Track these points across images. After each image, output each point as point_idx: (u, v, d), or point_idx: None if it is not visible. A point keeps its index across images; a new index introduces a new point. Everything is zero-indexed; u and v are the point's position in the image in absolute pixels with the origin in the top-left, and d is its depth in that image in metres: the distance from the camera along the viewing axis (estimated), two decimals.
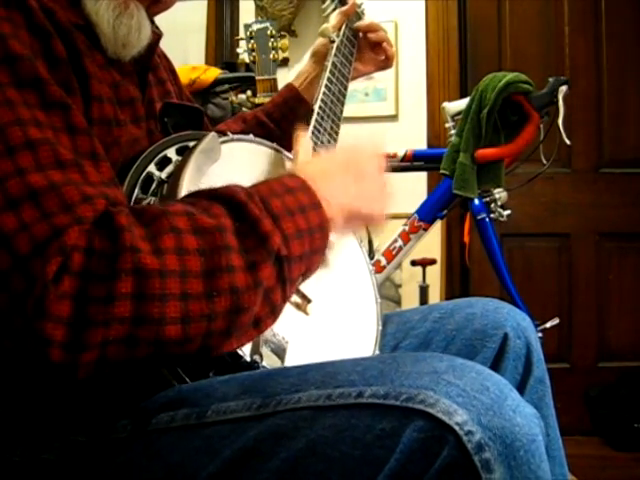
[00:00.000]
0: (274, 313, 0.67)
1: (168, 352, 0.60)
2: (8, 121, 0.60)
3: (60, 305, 0.55)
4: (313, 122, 1.01)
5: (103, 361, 0.57)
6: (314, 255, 0.71)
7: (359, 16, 1.25)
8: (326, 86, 1.07)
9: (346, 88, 1.13)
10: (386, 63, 1.26)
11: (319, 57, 1.19)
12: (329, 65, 1.11)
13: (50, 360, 0.55)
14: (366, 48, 1.24)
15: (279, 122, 1.19)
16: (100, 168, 0.66)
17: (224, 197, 0.65)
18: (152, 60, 0.90)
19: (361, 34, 1.23)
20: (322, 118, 1.03)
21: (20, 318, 0.56)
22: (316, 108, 1.03)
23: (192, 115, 0.94)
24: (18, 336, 0.57)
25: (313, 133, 0.99)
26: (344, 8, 1.21)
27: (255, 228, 0.63)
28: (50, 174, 0.60)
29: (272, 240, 0.64)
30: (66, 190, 0.59)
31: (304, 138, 0.89)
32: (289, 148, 0.96)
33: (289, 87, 1.23)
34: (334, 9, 1.25)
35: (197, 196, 0.67)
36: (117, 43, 0.78)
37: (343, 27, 1.18)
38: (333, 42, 1.15)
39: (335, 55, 1.13)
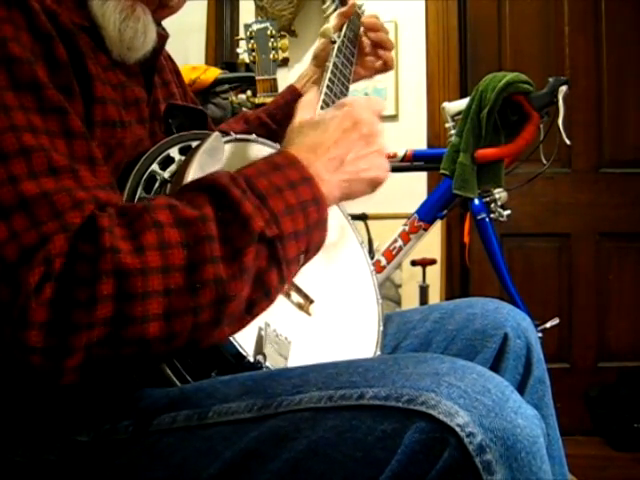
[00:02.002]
0: (269, 296, 0.67)
1: (155, 350, 0.60)
2: (2, 127, 0.61)
3: (41, 312, 0.55)
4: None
5: (88, 364, 0.57)
6: (313, 230, 0.69)
7: (359, 17, 1.25)
8: (327, 86, 1.07)
9: (347, 88, 1.13)
10: (385, 67, 1.26)
11: (320, 60, 1.19)
12: (330, 66, 1.11)
13: (33, 367, 0.56)
14: (366, 50, 1.24)
15: (282, 123, 1.19)
16: (97, 173, 0.66)
17: (207, 185, 0.65)
18: (158, 62, 0.90)
19: (362, 33, 1.23)
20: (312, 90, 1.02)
21: (8, 327, 0.56)
22: (318, 108, 1.03)
23: (196, 117, 0.94)
24: (7, 344, 0.57)
25: None
26: (344, 9, 1.21)
27: (237, 213, 0.63)
28: (43, 182, 0.60)
29: (254, 222, 0.63)
30: (57, 198, 0.59)
31: (306, 106, 0.86)
32: None
33: (291, 89, 1.23)
34: (334, 10, 1.25)
35: (183, 189, 0.67)
36: (122, 46, 0.78)
37: (344, 28, 1.18)
38: (334, 43, 1.15)
39: (336, 56, 1.13)
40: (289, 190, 0.67)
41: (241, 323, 0.67)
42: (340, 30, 1.18)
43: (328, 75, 1.09)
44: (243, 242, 0.62)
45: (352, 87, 1.19)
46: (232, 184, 0.64)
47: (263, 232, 0.64)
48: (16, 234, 0.57)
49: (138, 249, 0.58)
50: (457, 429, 0.54)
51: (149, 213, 0.61)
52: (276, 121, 1.19)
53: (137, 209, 0.62)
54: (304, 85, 1.21)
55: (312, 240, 0.70)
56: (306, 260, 0.71)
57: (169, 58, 1.04)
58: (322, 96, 1.05)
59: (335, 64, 1.11)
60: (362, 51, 1.23)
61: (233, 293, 0.62)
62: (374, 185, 0.79)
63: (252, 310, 0.66)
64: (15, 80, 0.63)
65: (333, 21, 1.21)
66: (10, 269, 0.57)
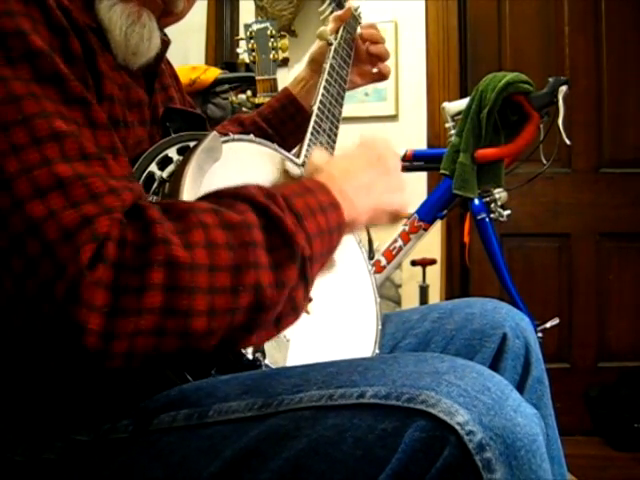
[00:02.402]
0: (295, 311, 0.68)
1: (193, 345, 0.61)
2: (34, 113, 0.61)
3: (95, 293, 0.55)
4: (312, 123, 1.01)
5: (131, 352, 0.57)
6: (329, 254, 0.73)
7: (356, 19, 1.25)
8: (325, 88, 1.08)
9: (344, 90, 1.14)
10: (381, 77, 1.28)
11: (317, 64, 1.20)
12: (327, 67, 1.11)
13: (84, 347, 0.55)
14: (363, 56, 1.24)
15: (278, 129, 1.19)
16: (120, 163, 0.67)
17: (246, 196, 0.66)
18: (159, 67, 0.90)
19: (358, 37, 1.23)
20: (321, 119, 1.03)
21: (48, 304, 0.56)
22: (315, 109, 1.04)
23: (194, 121, 0.95)
24: (46, 322, 0.56)
25: (312, 134, 1.00)
26: (340, 13, 1.21)
27: (280, 227, 0.64)
28: (76, 165, 0.60)
29: (297, 240, 0.65)
30: (92, 181, 0.60)
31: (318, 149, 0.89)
32: (288, 152, 0.97)
33: (286, 92, 1.23)
34: (331, 12, 1.25)
35: (219, 195, 0.67)
36: (127, 51, 0.79)
37: (341, 30, 1.19)
38: (331, 45, 1.16)
39: (333, 57, 1.13)
40: (320, 213, 0.69)
41: (268, 334, 0.68)
42: (337, 32, 1.18)
43: (325, 76, 1.09)
44: (285, 256, 0.64)
45: None
46: (270, 200, 0.65)
47: (303, 250, 0.65)
48: (54, 212, 0.57)
49: (187, 244, 0.59)
50: (457, 427, 0.54)
51: (195, 213, 0.62)
52: (272, 126, 1.20)
53: (182, 208, 0.63)
54: (301, 90, 1.21)
55: (325, 262, 0.73)
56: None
57: (168, 62, 1.04)
58: (319, 97, 1.06)
59: (332, 66, 1.12)
60: (359, 59, 1.24)
61: (269, 302, 0.63)
62: (395, 218, 0.84)
63: (279, 324, 0.68)
64: (38, 73, 0.63)
65: (330, 23, 1.21)
66: (52, 246, 0.56)
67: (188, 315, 0.58)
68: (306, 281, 0.67)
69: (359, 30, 1.24)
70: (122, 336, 0.56)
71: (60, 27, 0.68)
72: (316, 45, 1.22)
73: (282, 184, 0.73)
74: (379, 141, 0.85)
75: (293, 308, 0.67)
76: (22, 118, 0.60)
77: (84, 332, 0.55)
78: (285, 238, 0.64)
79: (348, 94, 1.17)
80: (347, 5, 1.23)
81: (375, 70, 1.27)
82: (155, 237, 0.58)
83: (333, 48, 1.15)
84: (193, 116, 0.96)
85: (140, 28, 0.79)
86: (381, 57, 1.25)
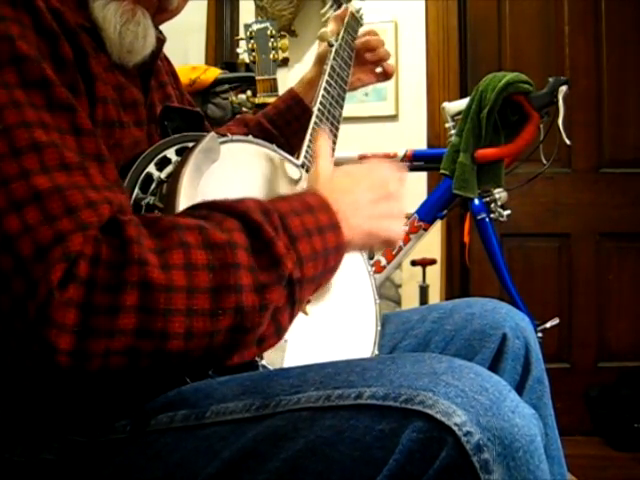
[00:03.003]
0: (279, 334, 0.67)
1: (169, 364, 0.60)
2: (14, 122, 0.60)
3: (65, 312, 0.55)
4: (312, 125, 1.01)
5: (105, 371, 0.57)
6: (326, 275, 0.71)
7: (358, 20, 1.25)
8: (325, 89, 1.08)
9: (345, 91, 1.14)
10: (385, 76, 1.28)
11: (323, 64, 1.19)
12: (328, 69, 1.11)
13: (56, 366, 0.55)
14: (368, 61, 1.25)
15: (282, 129, 1.19)
16: (105, 170, 0.66)
17: (239, 212, 0.64)
18: (155, 65, 0.90)
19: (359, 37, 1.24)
20: (321, 120, 1.03)
21: (20, 321, 0.56)
22: (315, 111, 1.04)
23: (192, 119, 0.94)
24: (18, 339, 0.57)
25: (312, 135, 1.00)
26: (338, 12, 1.22)
27: (268, 249, 0.63)
28: (55, 176, 0.60)
29: (285, 263, 0.63)
30: (70, 194, 0.59)
31: (325, 147, 0.86)
32: (292, 154, 0.96)
33: (291, 93, 1.23)
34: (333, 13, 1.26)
35: (211, 208, 0.66)
36: (122, 49, 0.78)
37: (342, 31, 1.19)
38: (332, 46, 1.16)
39: (334, 59, 1.14)
40: (317, 235, 0.68)
41: (249, 354, 0.67)
42: (338, 34, 1.18)
43: (325, 78, 1.09)
44: (271, 278, 0.63)
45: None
46: (265, 218, 0.64)
47: (291, 274, 0.64)
48: (30, 228, 0.57)
49: (165, 265, 0.58)
50: (454, 428, 0.54)
51: (177, 231, 0.60)
52: (277, 127, 1.19)
53: (164, 224, 0.61)
54: (307, 89, 1.21)
55: (322, 283, 0.72)
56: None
57: (166, 59, 1.04)
58: (320, 98, 1.06)
59: (333, 67, 1.12)
60: (361, 60, 1.24)
61: (250, 325, 0.62)
62: (388, 244, 0.82)
63: (261, 345, 0.67)
64: (24, 78, 0.63)
65: (330, 24, 1.21)
66: (25, 263, 0.56)
67: (163, 337, 0.58)
68: (293, 305, 0.66)
69: (356, 40, 1.24)
70: (94, 355, 0.56)
71: (50, 31, 0.68)
72: (323, 45, 1.22)
73: (283, 198, 0.71)
74: (384, 166, 0.83)
75: (277, 331, 0.66)
76: (2, 128, 0.60)
77: (55, 352, 0.55)
78: (273, 260, 0.63)
79: (348, 94, 1.17)
80: (346, 6, 1.23)
81: (379, 70, 1.27)
82: (131, 257, 0.57)
83: (334, 49, 1.15)
84: (191, 114, 0.96)
85: (134, 26, 0.79)
86: (382, 60, 1.26)
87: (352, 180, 0.79)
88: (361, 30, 1.26)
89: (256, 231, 0.63)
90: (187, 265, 0.59)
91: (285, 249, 0.64)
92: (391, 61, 1.30)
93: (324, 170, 0.83)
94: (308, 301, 0.86)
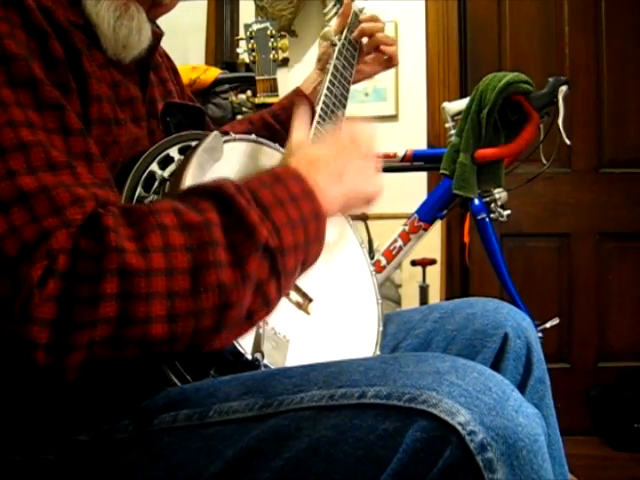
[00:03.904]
0: (268, 306, 0.67)
1: (156, 351, 0.60)
2: (0, 122, 0.61)
3: (44, 308, 0.55)
4: (314, 124, 1.01)
5: (91, 362, 0.57)
6: (311, 244, 0.70)
7: (361, 21, 1.25)
8: (328, 89, 1.08)
9: (348, 91, 1.14)
10: (390, 62, 1.26)
11: (324, 63, 1.20)
12: (331, 68, 1.11)
13: (36, 363, 0.56)
14: (369, 49, 1.24)
15: (285, 123, 1.19)
16: (94, 169, 0.66)
17: (212, 192, 0.65)
18: (153, 60, 0.90)
19: (364, 39, 1.23)
20: (324, 120, 1.03)
21: (8, 322, 0.56)
22: (318, 110, 1.03)
23: (194, 115, 0.94)
24: (7, 339, 0.57)
25: (315, 135, 0.99)
26: (341, 10, 1.22)
27: (242, 221, 0.63)
28: (41, 176, 0.60)
29: (259, 232, 0.63)
30: (57, 192, 0.59)
31: (300, 120, 0.87)
32: None
33: (297, 91, 1.23)
34: (335, 13, 1.25)
35: (187, 193, 0.67)
36: (117, 44, 0.78)
37: (345, 30, 1.19)
38: (334, 45, 1.15)
39: (337, 58, 1.13)
40: (291, 204, 0.68)
41: (240, 330, 0.68)
42: (341, 33, 1.18)
43: (328, 77, 1.09)
44: (247, 250, 0.63)
45: (352, 87, 1.20)
46: (238, 193, 0.64)
47: (267, 242, 0.64)
48: (15, 228, 0.57)
49: (143, 250, 0.58)
50: (458, 427, 0.54)
51: (154, 215, 0.61)
52: (279, 121, 1.19)
53: (142, 210, 0.62)
54: (309, 88, 1.21)
55: (310, 253, 0.71)
56: (302, 272, 0.72)
57: (166, 56, 1.04)
58: (322, 97, 1.06)
59: (335, 66, 1.12)
60: (365, 50, 1.23)
61: (235, 299, 0.62)
62: (369, 201, 0.81)
63: (252, 318, 0.67)
64: (12, 77, 0.63)
65: (333, 24, 1.21)
66: (10, 263, 0.57)
67: (147, 322, 0.58)
68: (278, 275, 0.66)
69: (362, 26, 1.23)
70: (78, 347, 0.56)
71: (40, 30, 0.68)
72: (325, 45, 1.22)
73: (254, 175, 0.71)
74: (355, 124, 0.83)
75: (265, 302, 0.66)
76: None
77: (37, 347, 0.55)
78: (248, 231, 0.63)
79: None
80: (349, 4, 1.22)
81: (384, 58, 1.24)
82: (108, 245, 0.57)
83: (337, 49, 1.15)
84: (193, 110, 0.96)
85: (128, 21, 0.78)
86: (384, 43, 1.23)
87: (323, 147, 0.79)
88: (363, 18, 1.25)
89: (229, 206, 0.63)
90: (165, 247, 0.59)
91: (259, 219, 0.64)
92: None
93: (297, 141, 0.82)
94: (310, 300, 0.86)
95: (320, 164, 0.75)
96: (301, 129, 0.85)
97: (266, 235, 0.64)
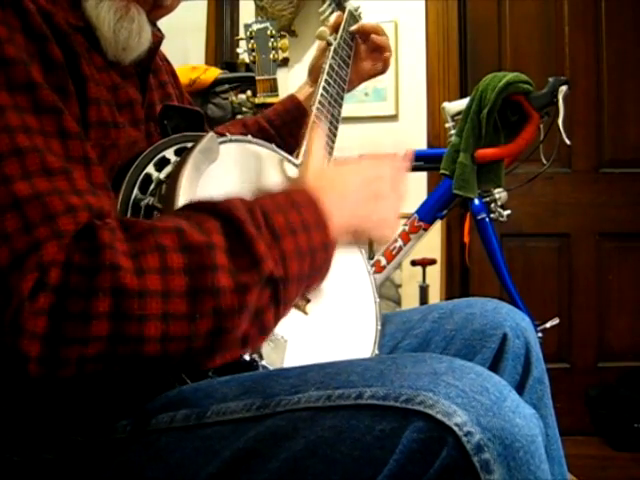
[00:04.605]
0: (264, 333, 0.66)
1: (147, 368, 0.60)
2: None
3: (35, 321, 0.54)
4: (310, 124, 1.01)
5: (81, 377, 0.57)
6: (315, 274, 0.69)
7: (356, 19, 1.25)
8: (324, 88, 1.08)
9: (344, 90, 1.14)
10: (382, 69, 1.26)
11: (315, 74, 1.19)
12: (326, 67, 1.11)
13: (28, 375, 0.55)
14: (363, 54, 1.24)
15: (279, 129, 1.19)
16: (91, 173, 0.66)
17: (221, 212, 0.63)
18: (153, 63, 0.90)
19: (360, 38, 1.23)
20: (319, 120, 1.03)
21: (0, 331, 0.56)
22: (314, 110, 1.03)
23: (192, 118, 0.94)
24: (1, 347, 0.56)
25: (309, 133, 0.99)
26: (335, 15, 1.22)
27: (249, 249, 0.61)
28: (36, 182, 0.59)
29: (265, 262, 0.61)
30: (50, 200, 0.59)
31: (317, 142, 0.85)
32: (290, 154, 0.96)
33: (292, 97, 1.23)
34: (331, 12, 1.25)
35: (195, 208, 0.65)
36: (117, 47, 0.78)
37: (340, 30, 1.19)
38: (330, 45, 1.15)
39: (332, 58, 1.13)
40: (302, 233, 0.65)
41: (232, 354, 0.66)
42: (336, 32, 1.18)
43: (324, 77, 1.09)
44: (250, 278, 0.61)
45: None
46: (249, 216, 0.62)
47: (272, 273, 0.62)
48: (8, 236, 0.57)
49: (139, 270, 0.57)
50: (455, 428, 0.54)
51: (154, 234, 0.59)
52: (274, 127, 1.19)
53: (142, 227, 0.60)
54: (305, 96, 1.21)
55: (312, 283, 0.69)
56: (300, 298, 0.71)
57: (165, 59, 1.04)
58: (318, 97, 1.06)
59: (331, 66, 1.12)
60: (359, 57, 1.23)
61: (231, 326, 0.61)
62: (379, 241, 0.79)
63: (246, 344, 0.65)
64: (10, 81, 0.63)
65: (329, 23, 1.21)
66: (2, 272, 0.56)
67: (139, 342, 0.57)
68: (277, 304, 0.64)
69: (362, 23, 1.23)
70: (68, 362, 0.55)
71: (39, 33, 0.67)
72: (316, 52, 1.22)
73: (269, 194, 0.69)
74: (382, 162, 0.80)
75: (261, 330, 0.65)
76: None
77: (27, 360, 0.54)
78: (253, 260, 0.61)
79: (348, 94, 1.17)
80: (346, 6, 1.23)
81: (379, 64, 1.25)
82: (103, 263, 0.56)
83: (332, 48, 1.15)
84: (191, 113, 0.95)
85: (129, 23, 0.78)
86: (384, 49, 1.23)
87: (343, 176, 0.76)
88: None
89: (237, 231, 0.61)
90: (163, 269, 0.57)
91: (266, 248, 0.62)
92: (391, 61, 1.28)
93: (314, 165, 0.81)
94: (308, 301, 0.86)
95: (342, 192, 0.73)
96: (317, 153, 0.83)
97: (271, 267, 0.62)
